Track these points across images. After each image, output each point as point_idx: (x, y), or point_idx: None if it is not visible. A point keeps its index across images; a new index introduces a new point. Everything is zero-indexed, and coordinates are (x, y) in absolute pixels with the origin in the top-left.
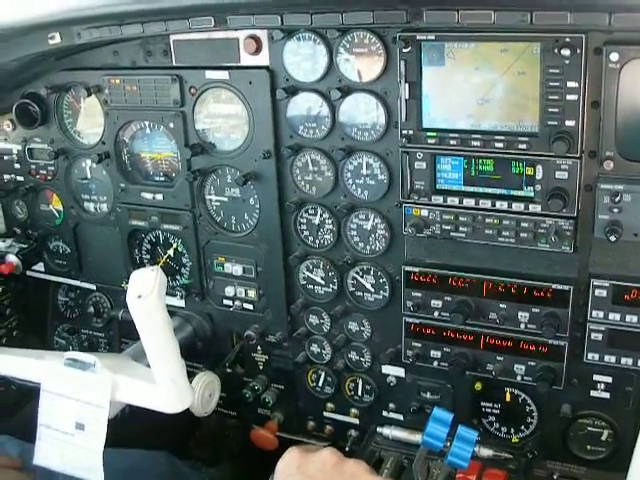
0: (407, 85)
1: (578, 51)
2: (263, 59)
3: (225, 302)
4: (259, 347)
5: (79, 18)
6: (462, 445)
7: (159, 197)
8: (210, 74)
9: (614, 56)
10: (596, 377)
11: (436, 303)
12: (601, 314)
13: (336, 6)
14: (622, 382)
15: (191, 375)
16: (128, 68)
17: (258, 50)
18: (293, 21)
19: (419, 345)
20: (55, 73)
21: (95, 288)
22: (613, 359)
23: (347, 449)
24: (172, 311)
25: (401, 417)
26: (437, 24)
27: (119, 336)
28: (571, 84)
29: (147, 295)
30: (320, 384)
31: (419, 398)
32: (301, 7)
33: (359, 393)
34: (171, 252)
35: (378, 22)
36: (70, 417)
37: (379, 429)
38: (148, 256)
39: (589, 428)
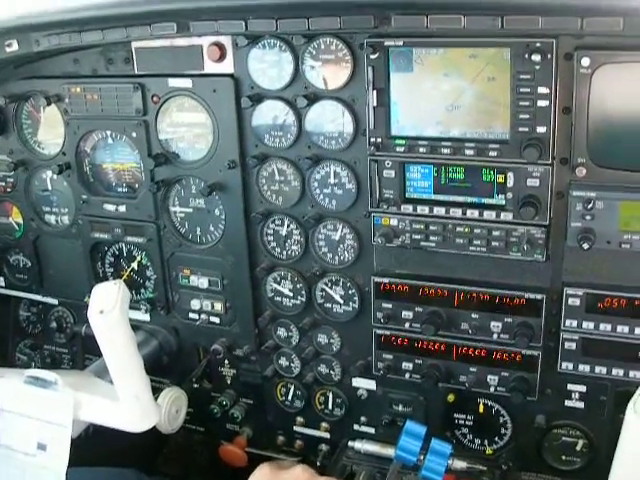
0: (375, 92)
1: (549, 56)
2: (227, 66)
3: (191, 315)
4: (226, 361)
5: (37, 24)
6: (436, 459)
7: (122, 209)
8: (173, 82)
9: (585, 61)
10: (570, 387)
11: (407, 314)
12: (575, 323)
13: (302, 11)
14: (596, 391)
15: (157, 391)
16: (89, 76)
17: (222, 57)
18: (257, 27)
19: (390, 357)
20: (13, 82)
21: (57, 303)
22: (587, 368)
23: (318, 464)
24: (136, 325)
25: (373, 431)
26: (405, 29)
27: (83, 352)
28: (542, 90)
29: (109, 310)
30: (289, 398)
31: (391, 411)
32: (266, 12)
33: (329, 407)
34: (135, 265)
35: (345, 27)
36: (31, 437)
37: (350, 443)
38: (111, 269)
39: (564, 438)
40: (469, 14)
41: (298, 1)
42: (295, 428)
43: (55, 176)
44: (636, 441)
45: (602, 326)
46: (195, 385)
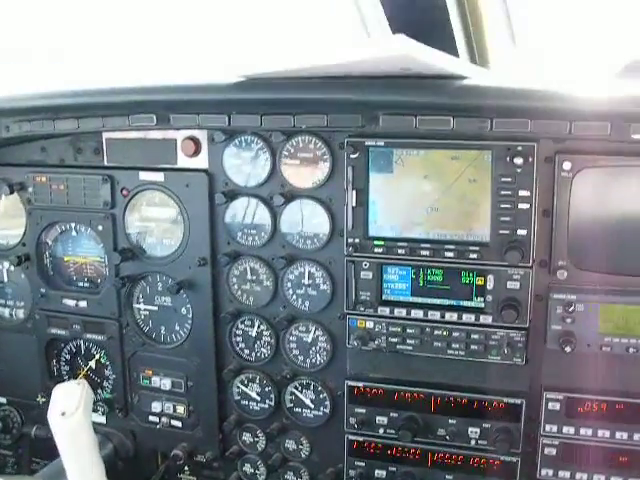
0: (354, 192)
1: (530, 159)
2: (201, 161)
3: (151, 418)
4: (187, 467)
5: (9, 109)
6: None
7: (83, 304)
8: (144, 175)
9: (567, 165)
10: None
11: (381, 419)
12: (554, 428)
13: (289, 108)
14: None
15: None
16: (56, 166)
17: (197, 152)
18: (241, 122)
19: (362, 464)
20: None
21: (5, 401)
22: (568, 475)
23: None
24: None
25: None
26: (392, 129)
27: (30, 455)
28: (523, 192)
29: (72, 412)
30: None
31: None
32: (252, 107)
33: None
34: (93, 364)
35: (332, 126)
36: None
37: None
38: (67, 367)
39: None
40: (459, 116)
41: (288, 97)
42: None
43: (13, 267)
44: None
45: (582, 431)
46: None
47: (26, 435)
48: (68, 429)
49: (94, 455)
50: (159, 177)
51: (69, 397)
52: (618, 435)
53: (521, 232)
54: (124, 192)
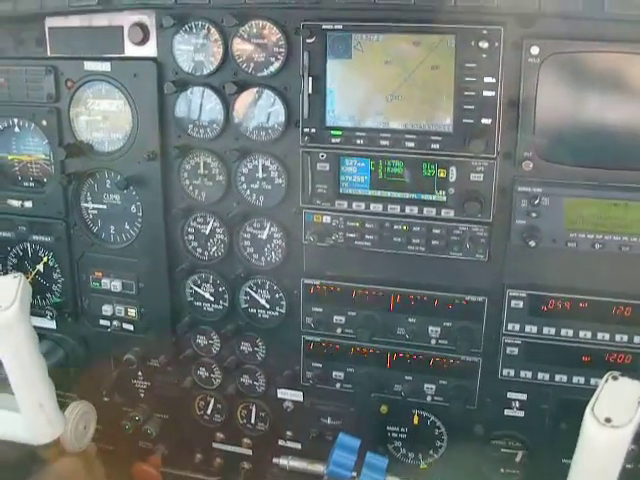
0: (310, 79)
1: (496, 44)
2: (150, 50)
3: (102, 322)
4: (140, 372)
5: None
6: (372, 474)
7: (28, 204)
8: (89, 65)
9: (534, 50)
10: (510, 395)
11: (339, 319)
12: (517, 327)
13: None
14: (537, 399)
15: (63, 406)
16: None
17: (145, 40)
18: None
19: (320, 365)
20: None
21: None
22: (529, 374)
23: None
24: (41, 334)
25: (299, 446)
26: (350, 4)
27: None
28: (488, 79)
29: (7, 306)
30: (209, 412)
31: (319, 424)
32: None
33: (252, 421)
34: (40, 267)
35: (285, 1)
36: None
37: (275, 460)
38: (14, 271)
39: (503, 450)
40: None
41: None
42: (214, 445)
43: None
44: (596, 446)
45: (545, 329)
46: (105, 399)
47: None
48: (4, 323)
49: (33, 351)
50: (105, 67)
51: (4, 291)
52: (582, 334)
53: (485, 121)
54: (69, 84)
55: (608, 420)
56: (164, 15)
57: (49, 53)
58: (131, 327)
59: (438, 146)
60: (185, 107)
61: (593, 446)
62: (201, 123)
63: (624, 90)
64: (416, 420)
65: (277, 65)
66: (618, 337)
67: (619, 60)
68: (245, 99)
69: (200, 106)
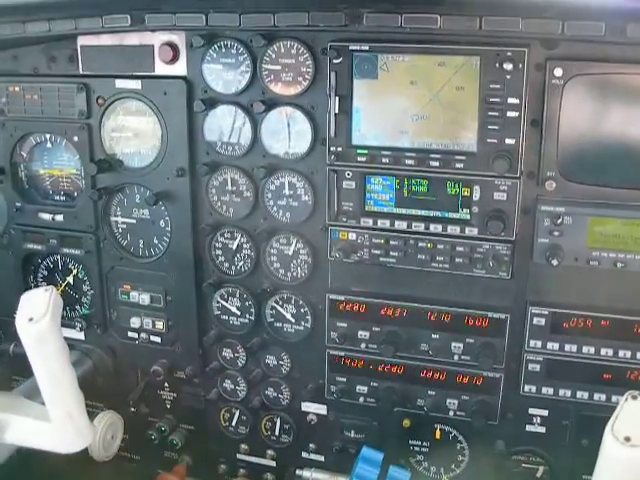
0: (337, 98)
1: (520, 66)
2: (180, 68)
3: (130, 334)
4: (167, 384)
5: None
6: None
7: (59, 218)
8: (120, 83)
9: (558, 71)
10: (532, 410)
11: (363, 334)
12: (539, 344)
13: (269, 4)
14: (559, 415)
15: (91, 415)
16: (29, 75)
17: (175, 58)
18: (219, 21)
19: (344, 380)
20: None
21: None
22: (551, 391)
23: None
24: (70, 344)
25: (322, 458)
26: (377, 29)
27: (9, 373)
28: (512, 100)
29: (39, 318)
30: (233, 424)
31: (342, 437)
32: (229, 3)
33: (276, 433)
34: (70, 279)
35: (313, 24)
36: None
37: (298, 472)
38: (44, 283)
39: (524, 465)
40: (446, 13)
41: None
42: (239, 456)
43: None
44: (615, 465)
45: (567, 347)
46: (132, 409)
47: (4, 352)
48: (36, 335)
49: (63, 362)
50: (136, 85)
51: (37, 303)
52: (603, 352)
53: (509, 141)
54: (100, 101)
55: (627, 439)
56: (194, 35)
57: (81, 71)
58: (158, 339)
59: (462, 165)
60: (214, 125)
61: (612, 465)
62: (229, 141)
63: None
64: (438, 434)
65: (305, 85)
66: (639, 355)
67: None
68: (272, 117)
69: (229, 124)
